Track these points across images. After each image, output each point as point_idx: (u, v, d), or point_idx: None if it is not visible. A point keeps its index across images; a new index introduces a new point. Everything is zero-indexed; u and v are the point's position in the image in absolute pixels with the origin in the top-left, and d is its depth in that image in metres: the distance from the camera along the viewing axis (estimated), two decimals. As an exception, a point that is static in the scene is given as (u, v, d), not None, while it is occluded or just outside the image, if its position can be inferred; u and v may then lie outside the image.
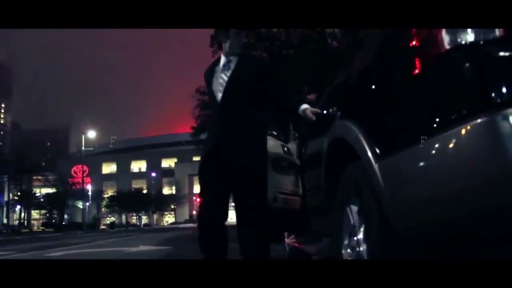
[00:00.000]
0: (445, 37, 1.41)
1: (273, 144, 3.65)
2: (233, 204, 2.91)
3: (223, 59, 3.02)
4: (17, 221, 58.93)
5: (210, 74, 3.05)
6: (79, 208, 58.28)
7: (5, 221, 51.42)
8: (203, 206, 2.96)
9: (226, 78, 2.96)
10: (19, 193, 51.93)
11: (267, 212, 2.92)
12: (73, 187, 55.82)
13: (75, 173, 60.19)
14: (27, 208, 52.79)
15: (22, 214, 54.26)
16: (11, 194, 52.02)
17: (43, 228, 56.56)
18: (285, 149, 4.02)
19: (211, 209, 2.89)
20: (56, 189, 55.27)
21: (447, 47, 1.41)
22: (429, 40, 1.48)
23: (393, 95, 1.72)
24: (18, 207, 53.90)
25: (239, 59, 3.00)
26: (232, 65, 2.98)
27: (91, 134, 50.32)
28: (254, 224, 2.84)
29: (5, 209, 50.87)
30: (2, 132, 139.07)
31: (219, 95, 2.94)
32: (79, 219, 58.89)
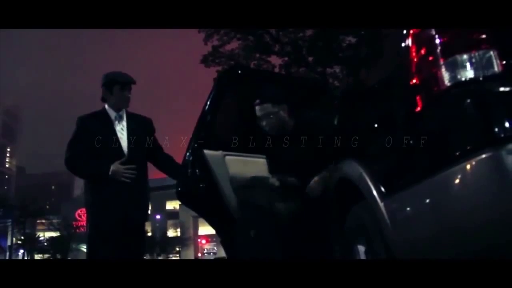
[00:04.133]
0: (445, 74, 1.42)
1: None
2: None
3: (111, 113, 3.02)
4: (20, 266, 58.07)
5: (97, 125, 2.99)
6: (83, 251, 57.53)
7: (7, 266, 50.68)
8: None
9: (124, 131, 3.00)
10: (22, 237, 51.34)
11: None
12: (77, 231, 55.18)
13: (80, 216, 59.56)
14: (30, 252, 52.03)
15: (25, 259, 53.51)
16: (14, 239, 51.47)
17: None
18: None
19: None
20: (60, 232, 54.65)
21: (448, 84, 1.41)
22: (430, 78, 1.48)
23: (396, 133, 1.72)
24: (21, 251, 53.22)
25: (128, 113, 3.08)
26: (124, 119, 3.04)
27: (96, 176, 50.17)
28: None
29: (7, 253, 50.20)
30: (7, 176, 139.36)
31: (124, 147, 2.95)
32: (82, 263, 58.05)
